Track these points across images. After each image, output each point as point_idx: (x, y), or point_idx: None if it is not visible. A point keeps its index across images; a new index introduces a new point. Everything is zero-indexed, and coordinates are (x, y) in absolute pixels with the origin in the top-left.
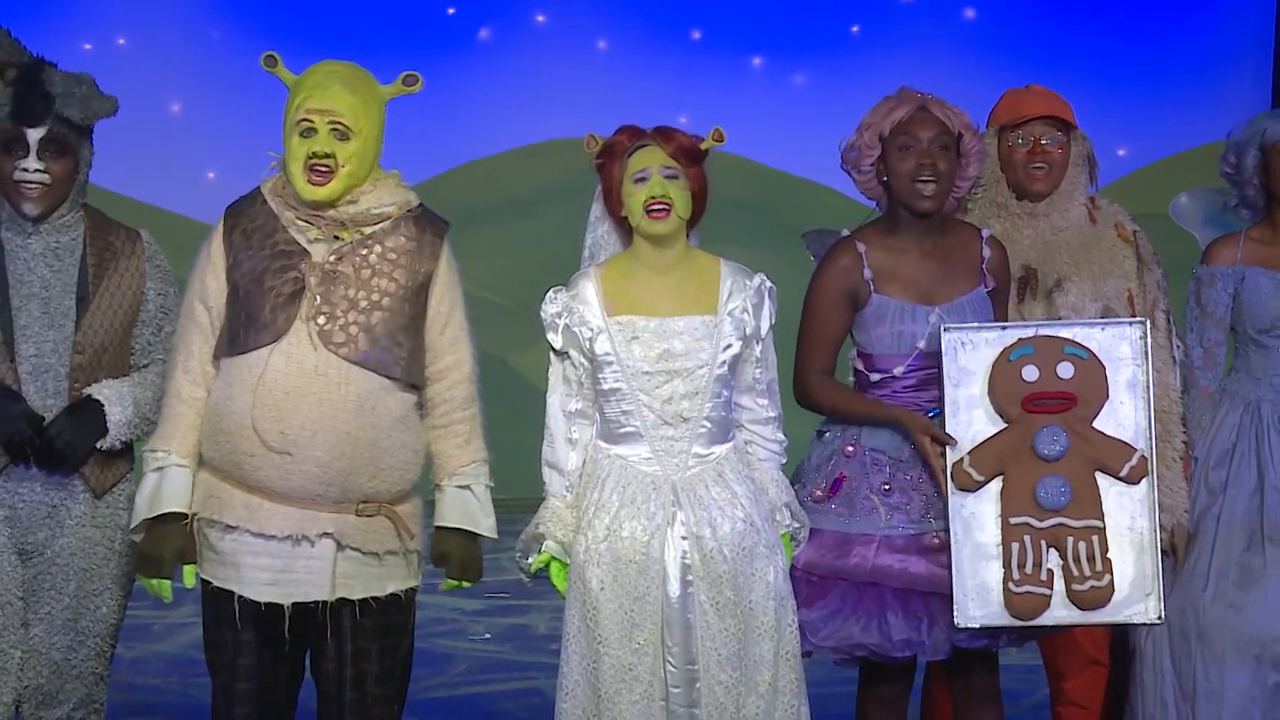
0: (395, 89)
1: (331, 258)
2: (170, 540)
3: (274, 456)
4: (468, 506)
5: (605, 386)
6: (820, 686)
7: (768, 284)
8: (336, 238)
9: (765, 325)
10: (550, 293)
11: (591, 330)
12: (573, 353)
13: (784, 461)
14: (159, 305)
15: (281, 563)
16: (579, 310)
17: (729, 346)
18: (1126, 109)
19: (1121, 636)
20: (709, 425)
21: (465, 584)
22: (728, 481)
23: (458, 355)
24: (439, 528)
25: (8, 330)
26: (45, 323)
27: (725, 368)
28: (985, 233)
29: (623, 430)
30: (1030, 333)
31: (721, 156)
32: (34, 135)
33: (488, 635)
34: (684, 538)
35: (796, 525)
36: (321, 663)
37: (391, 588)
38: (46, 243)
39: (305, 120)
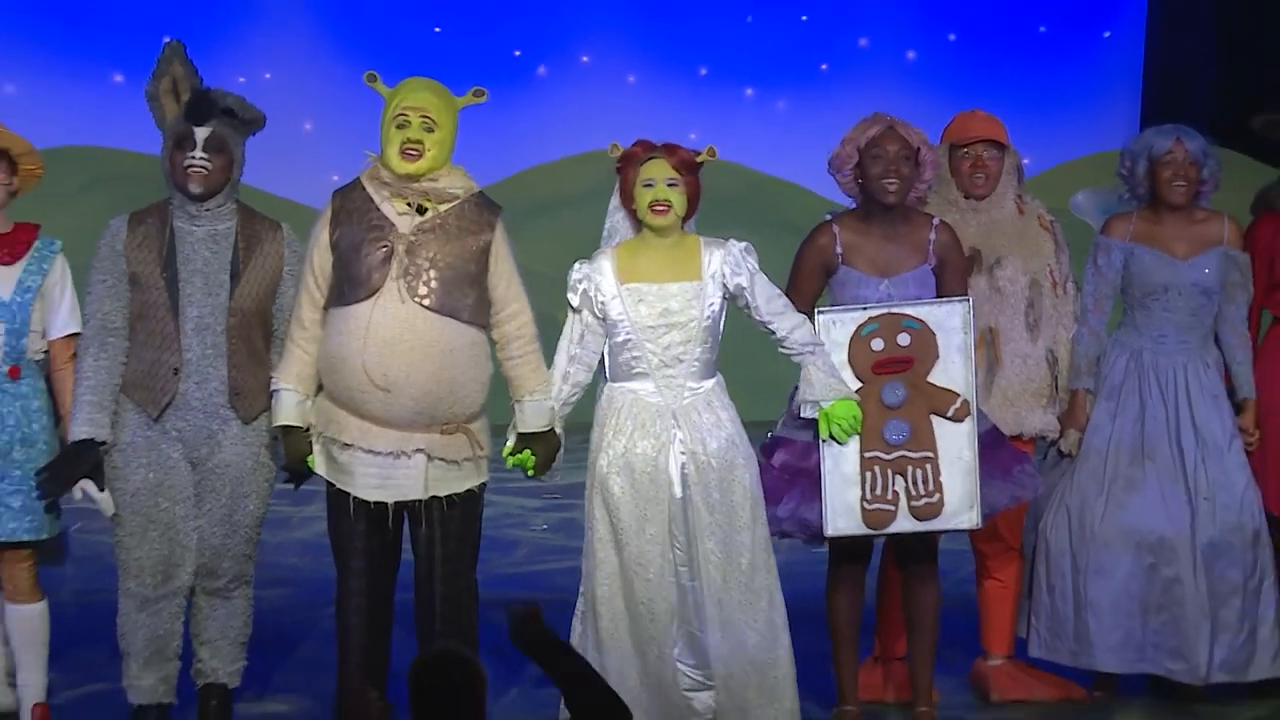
0: (467, 99)
1: (413, 230)
2: (300, 440)
3: (379, 393)
4: (547, 415)
5: (619, 339)
6: (795, 566)
7: (738, 246)
8: (421, 210)
9: (746, 275)
10: (577, 263)
11: (606, 295)
12: (584, 312)
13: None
14: (293, 283)
15: (385, 471)
16: (597, 279)
17: (713, 304)
18: (1030, 126)
19: (1030, 535)
20: (698, 364)
21: (537, 475)
22: (715, 408)
23: (519, 304)
24: (522, 434)
25: (175, 296)
26: (205, 291)
27: (710, 320)
28: (936, 220)
29: (634, 371)
30: (880, 312)
31: (720, 164)
32: (200, 134)
33: (545, 526)
34: (683, 453)
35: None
36: (418, 545)
37: (467, 485)
38: (208, 230)
39: (403, 115)
